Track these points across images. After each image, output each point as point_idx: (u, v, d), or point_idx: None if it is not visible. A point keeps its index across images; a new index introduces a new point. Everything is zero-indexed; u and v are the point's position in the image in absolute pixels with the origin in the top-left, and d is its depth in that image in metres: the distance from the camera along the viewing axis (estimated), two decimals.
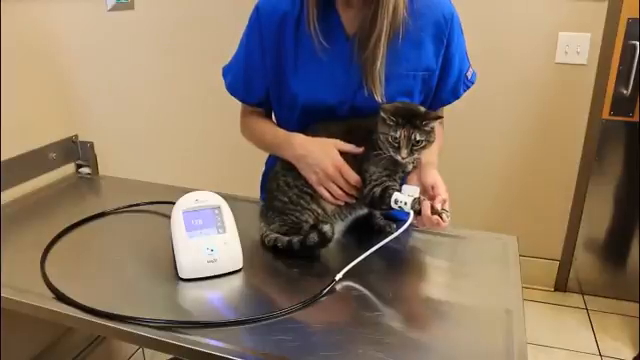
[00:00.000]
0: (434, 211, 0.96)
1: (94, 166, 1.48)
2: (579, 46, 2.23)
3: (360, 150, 1.05)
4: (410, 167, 1.05)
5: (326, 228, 0.98)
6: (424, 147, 1.00)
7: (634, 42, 2.17)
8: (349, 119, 1.11)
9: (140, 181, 1.41)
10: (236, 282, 0.96)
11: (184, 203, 0.98)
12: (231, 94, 1.22)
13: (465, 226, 1.15)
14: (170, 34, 1.84)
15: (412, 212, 0.97)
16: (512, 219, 2.52)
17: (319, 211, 1.07)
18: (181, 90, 1.93)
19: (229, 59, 1.23)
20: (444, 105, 1.22)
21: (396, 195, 1.00)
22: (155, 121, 1.81)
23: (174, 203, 0.99)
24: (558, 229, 2.52)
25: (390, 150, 1.00)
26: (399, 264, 1.07)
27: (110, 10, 1.55)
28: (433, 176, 1.02)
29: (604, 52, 2.22)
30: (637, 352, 2.17)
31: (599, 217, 2.46)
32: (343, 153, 1.06)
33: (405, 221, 0.97)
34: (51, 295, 0.90)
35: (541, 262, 2.59)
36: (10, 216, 1.21)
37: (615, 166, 2.37)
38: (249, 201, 1.28)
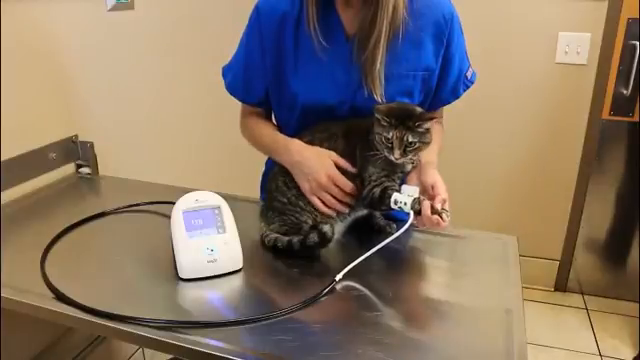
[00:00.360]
0: (434, 211, 0.96)
1: (94, 166, 1.48)
2: (579, 46, 2.23)
3: (354, 170, 1.05)
4: (409, 167, 1.05)
5: (326, 228, 0.98)
6: (418, 148, 1.00)
7: (634, 42, 2.17)
8: (349, 119, 1.11)
9: (140, 181, 1.41)
10: (236, 282, 0.96)
11: (184, 203, 0.98)
12: (231, 94, 1.22)
13: (465, 226, 1.15)
14: (170, 34, 1.84)
15: (412, 212, 0.97)
16: (512, 219, 2.52)
17: (318, 212, 1.07)
18: (181, 90, 1.93)
19: (229, 59, 1.23)
20: (444, 105, 1.22)
21: (395, 195, 1.00)
22: (155, 121, 1.81)
23: (174, 203, 0.98)
24: (558, 229, 2.52)
25: (384, 150, 1.00)
26: (399, 264, 1.07)
27: (110, 10, 1.55)
28: (433, 176, 1.02)
29: (604, 52, 2.22)
30: (637, 352, 2.17)
31: (599, 217, 2.46)
32: (341, 152, 1.06)
33: (405, 221, 0.97)
34: (51, 295, 0.90)
35: (541, 262, 2.59)
36: (10, 216, 1.21)
37: (615, 166, 2.37)
38: (249, 201, 1.28)
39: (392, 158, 1.00)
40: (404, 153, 0.99)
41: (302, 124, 1.14)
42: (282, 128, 1.20)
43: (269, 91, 1.18)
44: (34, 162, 1.35)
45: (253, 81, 1.18)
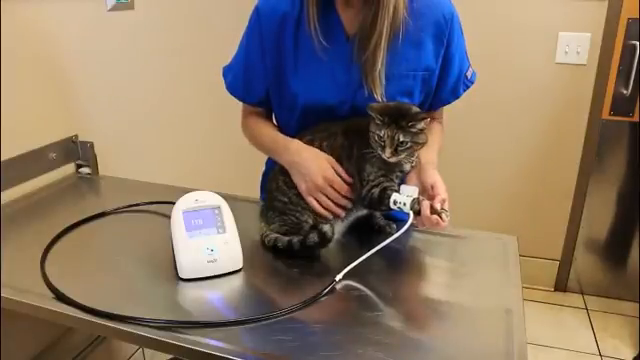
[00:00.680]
0: (434, 211, 0.96)
1: (94, 166, 1.48)
2: (579, 46, 2.23)
3: (349, 179, 1.05)
4: (408, 167, 1.05)
5: (326, 228, 0.98)
6: (410, 148, 0.99)
7: (634, 42, 2.17)
8: (349, 118, 1.11)
9: (140, 181, 1.41)
10: (236, 282, 0.96)
11: (184, 203, 0.98)
12: (231, 94, 1.22)
13: (465, 226, 1.15)
14: (170, 34, 1.84)
15: (411, 213, 0.97)
16: (512, 219, 2.52)
17: (314, 213, 1.06)
18: (181, 90, 1.93)
19: (229, 59, 1.23)
20: (444, 105, 1.22)
21: (395, 196, 1.00)
22: (155, 121, 1.81)
23: (174, 203, 0.98)
24: (558, 229, 2.52)
25: (378, 149, 1.00)
26: (399, 264, 1.07)
27: (110, 10, 1.55)
28: (432, 176, 1.02)
29: (604, 52, 2.22)
30: (637, 352, 2.17)
31: (599, 217, 2.46)
32: (340, 150, 1.06)
33: (405, 221, 0.97)
34: (51, 295, 0.90)
35: (541, 262, 2.59)
36: (10, 216, 1.21)
37: (615, 166, 2.37)
38: (249, 201, 1.28)
39: (384, 157, 0.99)
40: (395, 152, 0.99)
41: (302, 124, 1.14)
42: (282, 128, 1.20)
43: (269, 91, 1.18)
44: (34, 162, 1.35)
45: (253, 81, 1.18)
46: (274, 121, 1.25)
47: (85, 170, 1.48)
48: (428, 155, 1.08)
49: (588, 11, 2.19)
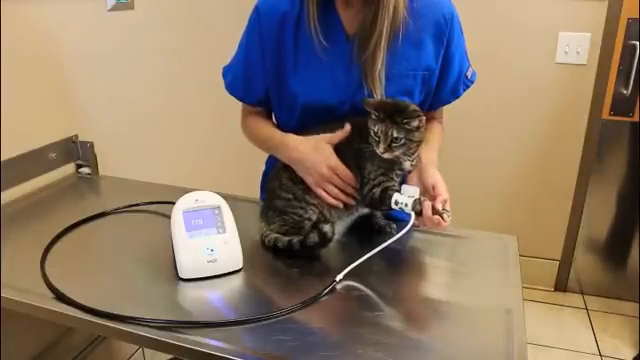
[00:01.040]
0: (435, 211, 0.96)
1: (94, 166, 1.48)
2: (579, 46, 2.23)
3: (348, 128, 1.04)
4: (408, 166, 1.04)
5: (326, 228, 0.98)
6: (404, 145, 0.99)
7: (634, 42, 2.17)
8: (351, 118, 1.10)
9: (140, 181, 1.41)
10: (236, 282, 0.96)
11: (184, 203, 0.98)
12: (230, 93, 1.22)
13: (465, 226, 1.15)
14: (170, 34, 1.84)
15: (413, 213, 0.97)
16: (512, 219, 2.52)
17: (325, 203, 1.06)
18: (181, 90, 1.93)
19: (229, 59, 1.23)
20: (444, 105, 1.22)
21: (396, 196, 1.00)
22: (155, 121, 1.81)
23: (174, 203, 0.98)
24: (558, 229, 2.52)
25: (373, 144, 1.00)
26: (399, 264, 1.07)
27: (110, 10, 1.55)
28: (434, 176, 1.02)
29: (604, 52, 2.22)
30: (637, 352, 2.17)
31: (599, 217, 2.46)
32: (339, 151, 1.06)
33: (405, 221, 0.97)
34: (51, 295, 0.90)
35: (541, 262, 2.59)
36: (10, 216, 1.21)
37: (615, 166, 2.37)
38: (249, 201, 1.28)
39: (378, 152, 0.99)
40: (389, 148, 0.98)
41: (302, 124, 1.14)
42: (282, 128, 1.20)
43: (269, 91, 1.18)
44: (34, 162, 1.35)
45: (253, 81, 1.18)
46: (274, 120, 1.25)
47: (85, 170, 1.48)
48: (429, 155, 1.08)
49: (588, 11, 2.19)
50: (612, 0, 2.15)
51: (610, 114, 2.28)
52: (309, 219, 1.05)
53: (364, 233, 1.12)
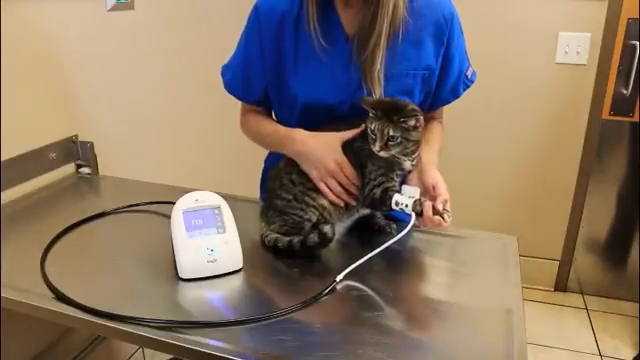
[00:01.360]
0: (435, 211, 0.96)
1: (94, 166, 1.48)
2: (579, 46, 2.23)
3: (362, 126, 1.04)
4: (408, 165, 1.04)
5: (327, 229, 0.98)
6: (400, 144, 0.98)
7: (634, 42, 2.17)
8: (354, 119, 1.10)
9: (140, 181, 1.41)
10: (236, 282, 0.96)
11: (184, 203, 0.98)
12: (229, 92, 1.22)
13: (465, 226, 1.15)
14: (170, 34, 1.84)
15: (413, 214, 0.97)
16: (512, 219, 2.52)
17: (325, 205, 1.06)
18: (181, 90, 1.93)
19: (229, 59, 1.23)
20: (444, 104, 1.22)
21: (397, 197, 1.00)
22: (155, 121, 1.81)
23: (174, 203, 0.98)
24: (558, 229, 2.52)
25: (370, 142, 1.00)
26: (399, 264, 1.06)
27: (110, 10, 1.55)
28: (434, 176, 1.02)
29: (604, 52, 2.22)
30: (637, 352, 2.17)
31: (599, 217, 2.46)
32: (344, 150, 1.06)
33: (405, 221, 0.97)
34: (51, 295, 0.90)
35: (541, 262, 2.59)
36: (10, 216, 1.21)
37: (615, 166, 2.37)
38: (249, 201, 1.28)
39: (374, 150, 0.99)
40: (385, 147, 0.98)
41: (302, 123, 1.14)
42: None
43: (269, 90, 1.18)
44: (34, 162, 1.35)
45: (252, 80, 1.18)
46: (274, 118, 1.25)
47: (85, 170, 1.48)
48: (429, 155, 1.08)
49: (588, 11, 2.19)
50: (612, 0, 2.15)
51: (610, 114, 2.28)
52: (309, 220, 1.05)
53: (364, 233, 1.12)
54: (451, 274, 1.06)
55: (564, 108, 2.34)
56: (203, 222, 0.97)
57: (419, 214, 0.97)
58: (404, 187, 1.02)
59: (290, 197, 1.07)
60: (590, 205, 2.43)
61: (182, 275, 0.94)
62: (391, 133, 0.97)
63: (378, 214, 1.13)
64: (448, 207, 0.98)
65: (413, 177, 1.05)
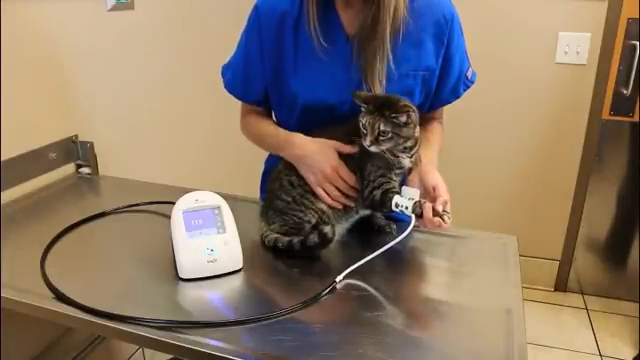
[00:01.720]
0: (435, 213, 0.96)
1: (94, 166, 1.48)
2: (579, 46, 2.23)
3: (355, 150, 1.04)
4: (407, 163, 1.04)
5: (327, 229, 0.98)
6: (391, 139, 0.98)
7: (634, 42, 2.17)
8: (351, 121, 1.10)
9: (140, 181, 1.41)
10: (236, 282, 0.96)
11: (184, 203, 0.98)
12: (229, 92, 1.22)
13: (465, 226, 1.15)
14: (170, 34, 1.84)
15: (413, 216, 0.97)
16: (512, 219, 2.52)
17: (324, 209, 1.06)
18: (181, 90, 1.93)
19: (229, 59, 1.23)
20: (444, 105, 1.22)
21: (397, 199, 1.00)
22: (155, 121, 1.81)
23: (174, 203, 0.98)
24: (558, 229, 2.52)
25: (362, 137, 1.00)
26: (399, 264, 1.06)
27: (110, 10, 1.55)
28: (434, 177, 1.02)
29: (604, 52, 2.22)
30: (637, 352, 2.17)
31: (599, 217, 2.46)
32: (341, 155, 1.06)
33: (406, 221, 0.97)
34: (51, 295, 0.90)
35: (541, 262, 2.59)
36: (10, 216, 1.21)
37: (615, 166, 2.37)
38: (249, 201, 1.28)
39: (365, 145, 0.99)
40: (376, 141, 0.98)
41: (302, 123, 1.14)
42: (282, 127, 1.20)
43: (269, 90, 1.18)
44: (34, 162, 1.35)
45: (252, 80, 1.18)
46: (274, 119, 1.25)
47: (85, 170, 1.48)
48: (429, 155, 1.08)
49: (588, 11, 2.19)
50: (612, 0, 2.15)
51: (610, 114, 2.29)
52: (309, 222, 1.05)
53: (364, 233, 1.12)
54: (451, 274, 1.06)
55: (564, 108, 2.34)
56: (203, 222, 0.97)
57: (419, 216, 0.97)
58: (404, 188, 1.02)
59: (289, 199, 1.07)
60: (590, 205, 2.43)
61: (182, 275, 0.94)
62: (382, 128, 0.97)
63: (378, 214, 1.12)
64: (448, 208, 0.98)
65: (413, 178, 1.05)
